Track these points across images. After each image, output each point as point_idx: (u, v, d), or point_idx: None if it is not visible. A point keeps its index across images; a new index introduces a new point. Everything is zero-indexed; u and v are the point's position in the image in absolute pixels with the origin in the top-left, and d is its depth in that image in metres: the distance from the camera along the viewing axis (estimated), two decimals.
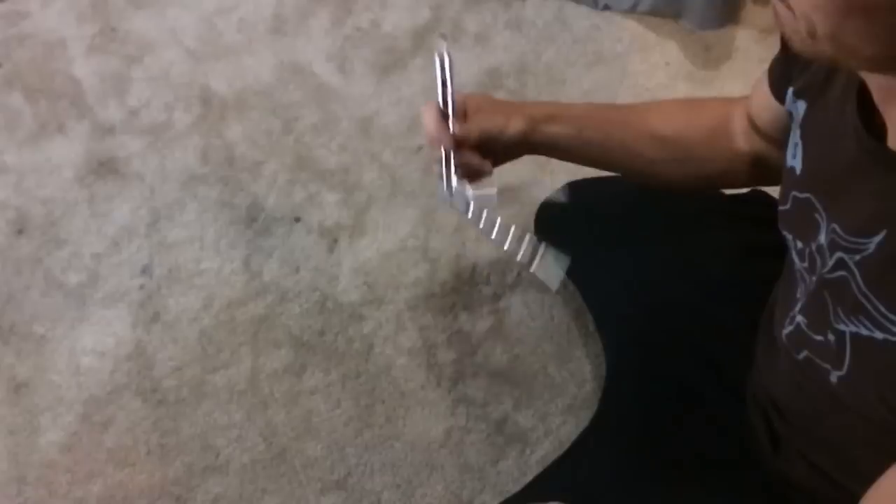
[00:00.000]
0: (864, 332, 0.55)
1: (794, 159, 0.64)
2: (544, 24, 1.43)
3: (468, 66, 1.38)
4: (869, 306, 0.54)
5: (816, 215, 0.60)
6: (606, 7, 1.43)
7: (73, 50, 1.43)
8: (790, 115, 0.67)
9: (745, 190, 0.93)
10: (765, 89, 0.72)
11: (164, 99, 1.37)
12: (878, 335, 0.54)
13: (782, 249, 0.69)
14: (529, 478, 0.92)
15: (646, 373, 0.89)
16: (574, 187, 1.06)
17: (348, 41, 1.42)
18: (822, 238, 0.59)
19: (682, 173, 0.82)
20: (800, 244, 0.64)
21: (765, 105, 0.73)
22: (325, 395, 1.11)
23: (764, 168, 0.79)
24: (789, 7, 0.48)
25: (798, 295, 0.66)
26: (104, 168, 1.31)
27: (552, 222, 1.06)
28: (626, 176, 0.86)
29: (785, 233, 0.67)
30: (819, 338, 0.61)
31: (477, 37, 1.42)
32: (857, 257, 0.55)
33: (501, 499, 0.84)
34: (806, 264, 0.63)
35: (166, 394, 1.11)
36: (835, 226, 0.57)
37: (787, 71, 0.67)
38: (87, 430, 1.09)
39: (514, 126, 0.78)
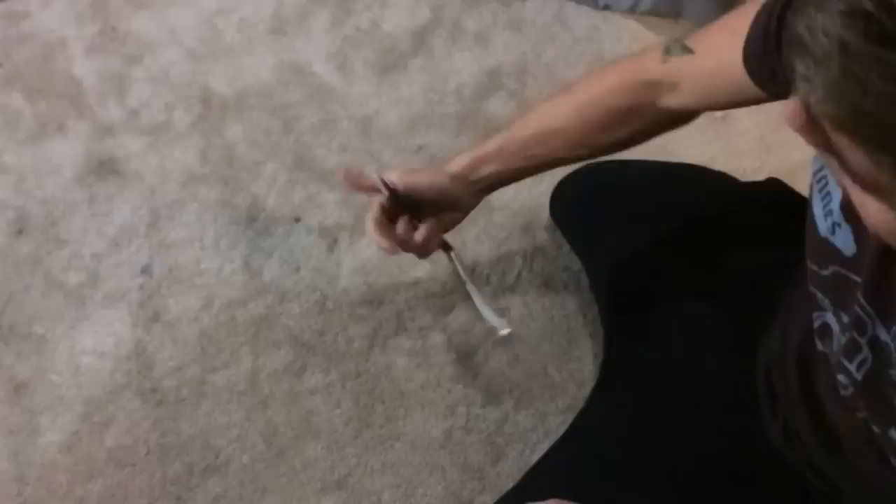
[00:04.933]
0: None
1: (834, 236, 0.58)
2: (544, 24, 1.43)
3: (468, 66, 1.38)
4: None
5: (858, 308, 0.56)
6: (606, 7, 1.43)
7: (73, 50, 1.43)
8: (814, 173, 0.60)
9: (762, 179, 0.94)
10: (734, 75, 0.66)
11: (164, 99, 1.37)
12: None
13: (797, 238, 0.65)
14: None
15: (647, 362, 0.89)
16: (593, 168, 1.04)
17: (348, 41, 1.42)
18: (884, 335, 0.54)
19: (619, 147, 0.84)
20: (835, 318, 0.60)
21: (735, 91, 0.67)
22: (325, 395, 1.11)
23: (685, 116, 0.79)
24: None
25: (823, 349, 0.63)
26: (104, 168, 1.31)
27: (567, 202, 1.10)
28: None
29: (816, 291, 0.63)
30: (877, 430, 0.58)
31: (477, 37, 1.42)
32: None
33: None
34: (844, 340, 0.59)
35: (166, 394, 1.11)
36: None
37: (773, 70, 0.62)
38: (87, 430, 1.09)
39: (440, 177, 0.86)
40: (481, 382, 1.11)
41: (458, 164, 0.86)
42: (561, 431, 1.07)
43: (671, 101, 0.75)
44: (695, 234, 0.91)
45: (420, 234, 0.87)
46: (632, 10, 1.42)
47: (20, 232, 1.25)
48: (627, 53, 1.38)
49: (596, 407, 0.91)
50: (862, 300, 0.56)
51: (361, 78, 1.38)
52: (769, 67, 0.62)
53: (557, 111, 0.83)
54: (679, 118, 0.79)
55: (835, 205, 0.58)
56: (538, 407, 1.09)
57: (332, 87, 1.37)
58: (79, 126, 1.35)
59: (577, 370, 1.12)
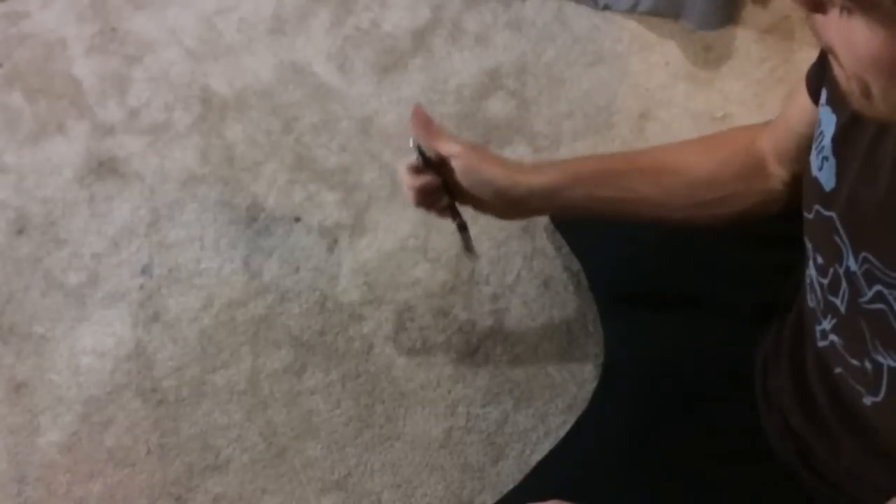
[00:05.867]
0: None
1: (821, 172, 0.61)
2: (544, 24, 1.43)
3: (468, 66, 1.38)
4: None
5: (836, 238, 0.59)
6: (606, 7, 1.43)
7: (73, 50, 1.43)
8: (820, 121, 0.63)
9: None
10: (803, 102, 0.68)
11: (164, 99, 1.37)
12: None
13: (795, 239, 0.67)
14: None
15: (647, 363, 0.89)
16: None
17: (348, 41, 1.42)
18: (853, 265, 0.57)
19: (713, 215, 0.77)
20: (820, 260, 0.62)
21: (807, 120, 0.68)
22: (325, 395, 1.11)
23: (782, 196, 0.76)
24: (841, 65, 0.45)
25: (811, 304, 0.65)
26: (104, 168, 1.31)
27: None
28: (655, 223, 0.81)
29: (807, 241, 0.65)
30: (855, 362, 0.60)
31: (477, 37, 1.42)
32: None
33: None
34: (826, 281, 0.61)
35: (166, 394, 1.11)
36: (868, 255, 0.55)
37: (822, 79, 0.64)
38: (87, 430, 1.09)
39: (505, 176, 0.75)
40: (481, 382, 1.11)
41: (546, 176, 0.77)
42: (561, 432, 1.07)
43: (776, 166, 0.75)
44: (694, 234, 0.91)
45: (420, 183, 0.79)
46: (632, 10, 1.42)
47: (20, 232, 1.25)
48: (627, 53, 1.38)
49: (597, 408, 0.92)
50: (840, 230, 0.58)
51: (361, 78, 1.38)
52: (820, 75, 0.64)
53: (678, 148, 0.81)
54: (775, 196, 0.77)
55: (826, 140, 0.60)
56: (538, 407, 1.09)
57: (332, 87, 1.38)
58: (79, 126, 1.35)
59: (577, 370, 1.12)
